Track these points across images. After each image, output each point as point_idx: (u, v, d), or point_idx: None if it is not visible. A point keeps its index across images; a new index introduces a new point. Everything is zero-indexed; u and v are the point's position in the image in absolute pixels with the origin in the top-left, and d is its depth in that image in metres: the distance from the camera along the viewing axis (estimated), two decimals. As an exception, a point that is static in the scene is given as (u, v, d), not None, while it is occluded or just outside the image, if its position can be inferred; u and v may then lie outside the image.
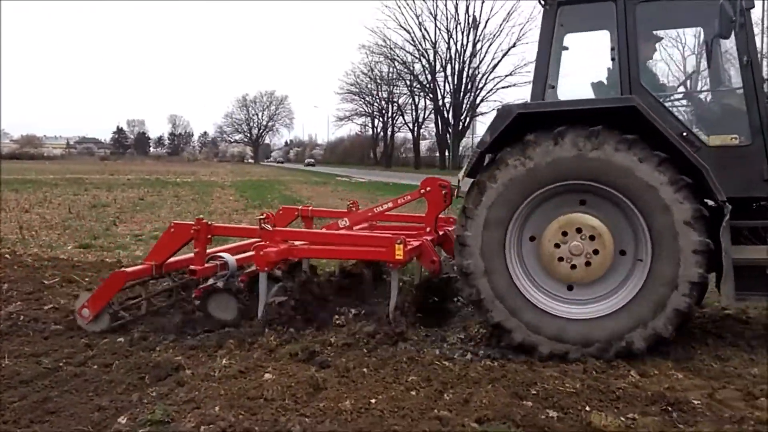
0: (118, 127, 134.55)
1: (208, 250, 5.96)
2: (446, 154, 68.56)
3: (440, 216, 6.45)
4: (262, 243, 5.38)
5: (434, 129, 73.60)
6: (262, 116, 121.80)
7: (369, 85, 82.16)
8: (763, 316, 5.63)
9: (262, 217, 6.47)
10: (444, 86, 68.11)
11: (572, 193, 4.68)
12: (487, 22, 72.10)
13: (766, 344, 4.83)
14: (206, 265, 5.81)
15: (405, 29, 68.81)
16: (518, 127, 4.66)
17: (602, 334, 4.48)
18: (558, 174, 4.55)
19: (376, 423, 3.48)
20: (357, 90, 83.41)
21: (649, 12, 4.96)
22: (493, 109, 67.21)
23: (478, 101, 66.41)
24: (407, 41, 68.38)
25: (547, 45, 5.09)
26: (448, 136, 68.13)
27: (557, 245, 4.62)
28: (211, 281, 5.67)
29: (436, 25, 67.90)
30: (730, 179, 4.48)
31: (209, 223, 5.87)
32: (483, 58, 65.06)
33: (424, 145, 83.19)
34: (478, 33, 63.74)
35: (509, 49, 62.50)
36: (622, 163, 4.39)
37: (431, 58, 67.64)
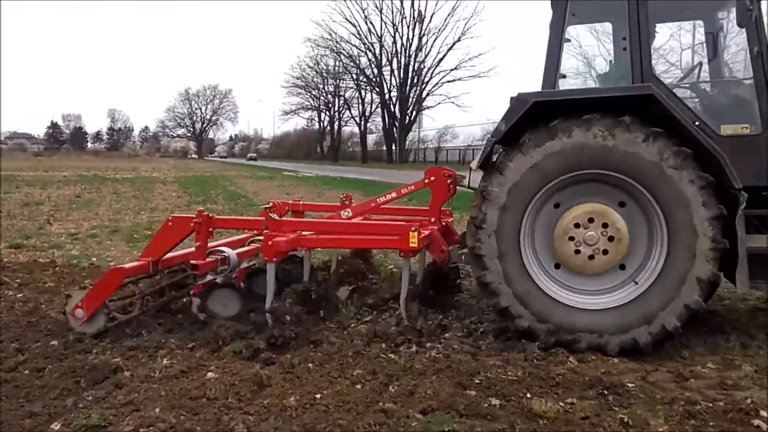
0: (52, 121, 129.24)
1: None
2: (393, 148, 68.84)
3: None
4: (271, 233, 5.17)
5: (381, 123, 73.83)
6: (206, 110, 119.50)
7: (315, 79, 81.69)
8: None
9: (268, 206, 6.34)
10: (390, 80, 68.52)
11: (593, 183, 4.71)
12: (432, 16, 73.04)
13: (693, 328, 5.07)
14: (208, 259, 5.59)
15: (351, 23, 68.88)
16: (529, 116, 4.70)
17: (609, 327, 4.55)
18: (581, 162, 4.56)
19: (321, 418, 3.47)
20: (303, 84, 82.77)
21: (658, 4, 5.03)
22: (439, 103, 68.21)
23: (424, 95, 67.05)
24: (353, 35, 68.40)
25: (558, 35, 5.11)
26: (394, 129, 68.45)
27: (572, 236, 4.66)
28: (209, 277, 5.47)
29: (381, 19, 68.33)
30: (741, 168, 4.49)
31: (210, 215, 5.64)
32: (429, 52, 65.80)
33: (371, 139, 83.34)
34: (424, 27, 64.37)
35: (454, 44, 63.33)
36: (649, 157, 4.42)
37: (377, 51, 67.88)
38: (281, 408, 3.58)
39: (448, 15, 65.68)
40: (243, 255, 6.05)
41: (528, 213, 4.70)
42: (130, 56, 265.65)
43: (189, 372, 4.18)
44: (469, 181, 5.58)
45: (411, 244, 4.93)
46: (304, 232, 5.36)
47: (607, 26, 5.95)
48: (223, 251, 5.68)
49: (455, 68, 63.42)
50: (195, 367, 4.26)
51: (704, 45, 5.56)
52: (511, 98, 5.02)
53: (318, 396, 3.75)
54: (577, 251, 4.65)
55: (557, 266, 4.84)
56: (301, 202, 7.20)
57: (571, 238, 4.65)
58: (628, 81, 4.95)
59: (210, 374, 4.11)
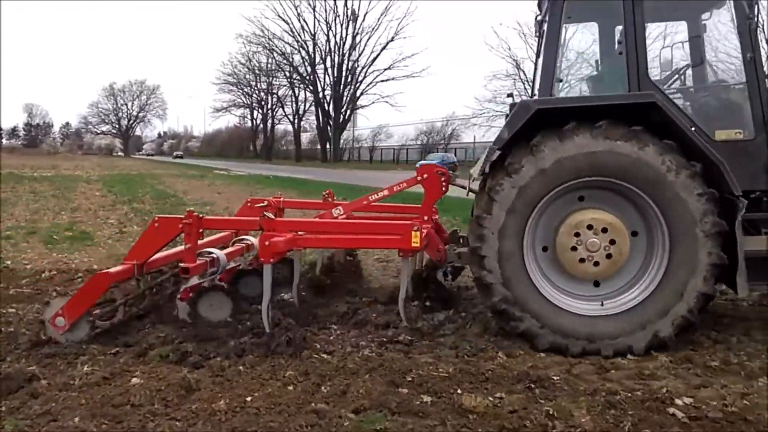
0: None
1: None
2: (327, 146, 68.56)
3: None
4: (268, 233, 4.92)
5: (315, 121, 73.37)
6: (132, 106, 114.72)
7: (247, 76, 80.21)
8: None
9: (263, 204, 6.07)
10: (324, 78, 68.21)
11: (597, 190, 4.72)
12: (365, 15, 73.12)
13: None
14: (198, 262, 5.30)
15: (283, 19, 68.05)
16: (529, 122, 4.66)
17: (606, 332, 4.57)
18: (589, 168, 4.55)
19: (252, 421, 3.41)
20: (235, 80, 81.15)
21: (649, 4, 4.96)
22: (373, 102, 68.51)
23: (358, 94, 67.11)
24: (286, 32, 67.67)
25: (555, 38, 5.02)
26: (329, 128, 68.16)
27: (574, 248, 4.64)
28: (195, 280, 5.24)
29: (315, 17, 68.07)
30: (735, 173, 4.49)
31: (201, 215, 5.35)
32: (362, 51, 65.95)
33: (305, 137, 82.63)
34: (357, 26, 64.40)
35: (387, 43, 63.71)
36: (658, 168, 4.44)
37: (311, 49, 67.42)
38: (210, 412, 3.50)
39: (382, 14, 66.29)
40: (229, 256, 5.80)
41: (533, 216, 4.69)
42: (49, 48, 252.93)
43: (112, 378, 4.02)
44: (468, 187, 5.55)
45: (413, 244, 4.84)
46: (300, 232, 5.20)
47: (595, 27, 5.97)
48: (212, 252, 5.46)
49: (389, 68, 63.93)
50: (118, 373, 4.10)
51: (688, 47, 5.48)
52: (512, 105, 5.06)
53: (248, 399, 3.69)
54: (582, 260, 4.64)
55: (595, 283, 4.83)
56: (282, 199, 6.89)
57: (574, 248, 4.65)
58: (624, 86, 4.88)
59: (135, 380, 3.97)
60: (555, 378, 4.01)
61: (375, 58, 65.09)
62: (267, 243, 4.75)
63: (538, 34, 6.01)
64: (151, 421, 3.41)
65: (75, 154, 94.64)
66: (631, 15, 4.84)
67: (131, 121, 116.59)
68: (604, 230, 4.58)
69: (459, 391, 3.81)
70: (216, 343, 4.63)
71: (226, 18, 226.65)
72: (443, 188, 5.83)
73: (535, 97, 5.27)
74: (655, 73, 5.20)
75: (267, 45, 69.87)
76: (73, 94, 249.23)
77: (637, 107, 4.65)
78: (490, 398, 3.68)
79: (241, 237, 6.19)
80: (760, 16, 4.89)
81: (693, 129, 4.62)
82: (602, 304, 4.71)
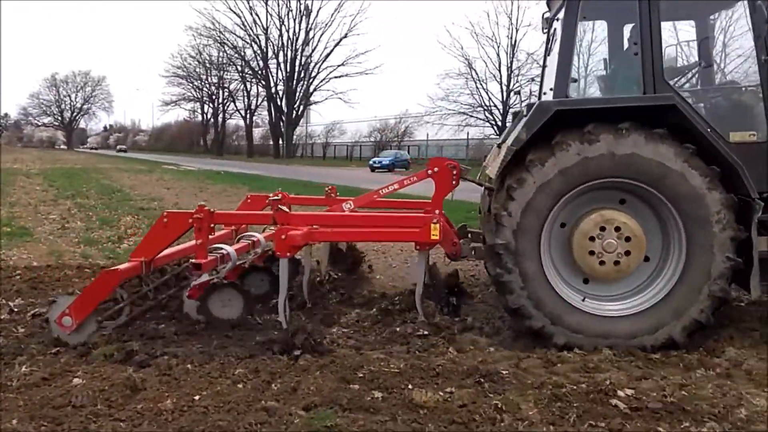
0: None
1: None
2: (280, 142, 67.82)
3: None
4: (284, 227, 4.78)
5: (267, 117, 72.40)
6: (76, 98, 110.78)
7: (197, 69, 78.42)
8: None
9: (277, 197, 5.90)
10: (277, 73, 67.31)
11: (611, 190, 4.74)
12: (318, 11, 72.56)
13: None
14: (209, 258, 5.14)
15: (235, 13, 66.99)
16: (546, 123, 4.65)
17: (621, 332, 4.62)
18: (610, 169, 4.55)
19: (200, 420, 3.34)
20: (185, 73, 79.17)
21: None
22: (326, 99, 68.13)
23: (311, 90, 66.57)
24: (237, 25, 66.34)
25: (570, 38, 4.95)
26: (281, 124, 67.43)
27: (592, 238, 4.64)
28: (204, 277, 5.06)
29: (267, 11, 66.82)
30: (749, 174, 4.53)
31: (212, 210, 5.14)
32: (315, 47, 65.37)
33: (257, 132, 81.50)
34: (311, 21, 63.82)
35: (341, 40, 63.34)
36: (675, 169, 4.46)
37: (263, 44, 66.37)
38: (156, 412, 3.42)
39: (335, 11, 65.63)
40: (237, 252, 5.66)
41: (552, 214, 4.67)
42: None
43: (52, 379, 3.89)
44: (485, 184, 5.54)
45: (432, 237, 4.80)
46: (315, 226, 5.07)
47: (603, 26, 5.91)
48: (222, 248, 5.32)
49: (342, 64, 63.58)
50: (59, 374, 3.97)
51: (698, 47, 5.42)
52: (529, 106, 5.03)
53: (197, 397, 3.62)
54: (602, 262, 4.66)
55: (585, 281, 4.87)
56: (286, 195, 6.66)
57: (592, 243, 4.66)
58: (639, 86, 4.85)
59: (76, 380, 3.85)
60: (504, 372, 4.08)
61: (328, 55, 64.73)
62: (283, 237, 4.62)
63: (546, 32, 5.99)
64: (94, 423, 3.30)
65: (14, 147, 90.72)
66: (647, 14, 4.78)
67: (75, 114, 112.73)
68: (628, 239, 4.59)
69: (410, 386, 3.83)
70: (162, 342, 4.53)
71: (175, 9, 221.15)
72: (454, 182, 5.67)
73: (546, 97, 5.28)
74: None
75: (218, 38, 68.51)
76: (12, 84, 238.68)
77: (656, 109, 4.68)
78: (441, 393, 3.71)
79: (245, 234, 6.13)
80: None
81: (709, 130, 4.63)
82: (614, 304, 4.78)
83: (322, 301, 5.96)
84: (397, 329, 5.01)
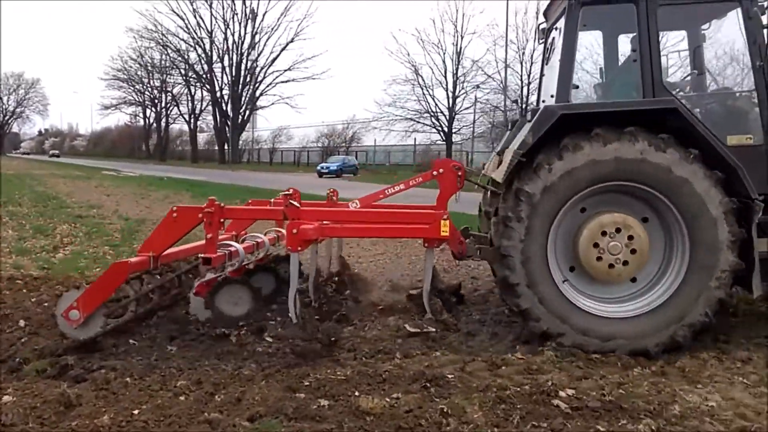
0: None
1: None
2: (226, 147, 66.66)
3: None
4: (296, 221, 4.80)
5: (212, 121, 71.09)
6: (8, 101, 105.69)
7: (139, 72, 76.33)
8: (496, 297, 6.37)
9: (288, 192, 5.83)
10: (222, 77, 66.24)
11: (618, 194, 4.82)
12: (264, 15, 71.92)
13: (504, 320, 5.57)
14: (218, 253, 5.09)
15: (178, 15, 65.44)
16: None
17: (625, 333, 4.68)
18: (616, 172, 4.63)
19: (139, 435, 3.24)
20: (125, 76, 76.90)
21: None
22: (273, 103, 67.38)
23: (257, 94, 65.81)
24: (181, 28, 65.15)
25: (571, 45, 5.05)
26: (227, 129, 66.31)
27: (604, 233, 4.70)
28: (209, 275, 5.06)
29: (212, 14, 65.56)
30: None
31: (222, 205, 5.06)
32: (261, 51, 64.69)
33: (202, 137, 79.83)
34: (256, 25, 63.15)
35: (287, 44, 62.87)
36: (683, 176, 4.55)
37: (207, 47, 65.30)
38: (92, 429, 3.30)
39: (281, 15, 65.25)
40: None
41: (559, 217, 4.75)
42: None
43: (-21, 397, 3.67)
44: (478, 182, 5.66)
45: (443, 233, 4.83)
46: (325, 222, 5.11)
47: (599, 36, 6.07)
48: (231, 245, 5.33)
49: (289, 69, 63.12)
50: (-13, 392, 3.76)
51: (692, 56, 5.63)
52: (533, 111, 5.09)
53: (136, 412, 3.50)
54: (599, 258, 4.73)
55: (572, 269, 4.94)
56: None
57: (603, 237, 4.72)
58: (638, 92, 4.98)
59: (6, 398, 3.67)
60: (450, 376, 4.12)
61: (275, 59, 64.18)
62: (295, 231, 4.69)
63: (543, 42, 6.16)
64: (25, 442, 3.15)
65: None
66: (645, 22, 4.94)
67: (7, 117, 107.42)
68: (630, 238, 4.68)
69: (356, 393, 3.81)
70: (100, 355, 4.37)
71: (115, 9, 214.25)
72: (459, 183, 5.73)
73: (545, 103, 5.39)
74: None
75: (160, 41, 66.94)
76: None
77: (658, 113, 4.80)
78: (387, 399, 3.71)
79: (254, 234, 6.21)
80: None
81: (708, 134, 4.76)
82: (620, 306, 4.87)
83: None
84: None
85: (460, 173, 5.67)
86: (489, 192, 5.87)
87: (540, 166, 4.70)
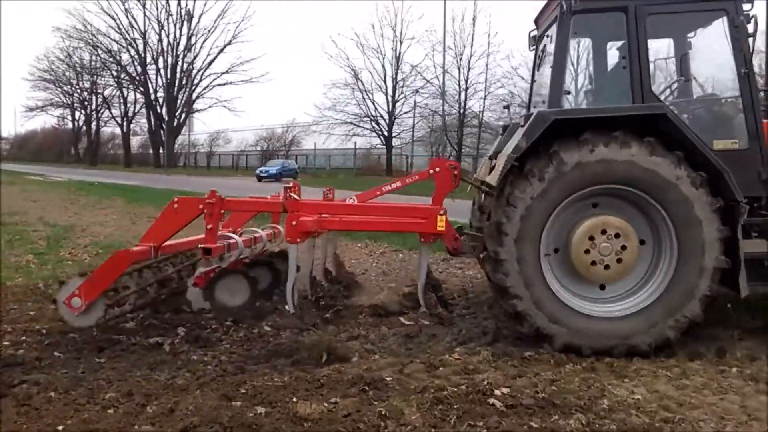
0: None
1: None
2: (161, 151, 64.72)
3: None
4: (296, 213, 4.88)
5: (147, 124, 68.82)
6: None
7: (67, 73, 72.83)
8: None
9: (289, 185, 5.78)
10: (156, 80, 64.18)
11: (609, 197, 4.92)
12: (201, 16, 70.41)
13: (439, 321, 5.58)
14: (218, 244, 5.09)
15: (109, 15, 63.00)
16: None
17: (617, 333, 4.75)
18: (605, 176, 4.72)
19: (64, 452, 3.09)
20: (52, 77, 73.29)
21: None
22: (210, 107, 66.09)
23: (194, 97, 64.18)
24: (112, 28, 62.49)
25: (563, 52, 5.16)
26: (162, 132, 64.39)
27: (603, 231, 4.79)
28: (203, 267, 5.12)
29: (145, 14, 63.51)
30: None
31: (223, 196, 5.09)
32: (198, 53, 63.08)
33: (135, 141, 77.06)
34: (192, 27, 61.61)
35: (225, 47, 61.60)
36: (667, 175, 4.65)
37: (141, 48, 63.12)
38: (12, 447, 3.12)
39: (218, 17, 64.15)
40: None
41: (551, 221, 4.83)
42: None
43: None
44: (473, 185, 5.77)
45: (439, 228, 4.94)
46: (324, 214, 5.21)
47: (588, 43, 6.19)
48: (230, 236, 5.35)
49: (227, 71, 61.79)
50: None
51: (678, 64, 5.77)
52: (527, 116, 5.12)
53: (60, 428, 3.35)
54: (587, 251, 4.82)
55: (556, 250, 5.01)
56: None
57: (591, 238, 4.82)
58: (628, 99, 5.11)
59: None
60: (388, 379, 4.13)
61: (212, 62, 62.60)
62: (294, 223, 4.83)
63: (533, 49, 6.27)
64: (-63, 465, 2.96)
65: None
66: (634, 31, 5.09)
67: None
68: (617, 236, 4.80)
69: (294, 399, 3.77)
70: (22, 369, 4.15)
71: (40, 8, 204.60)
72: (454, 182, 5.90)
73: (538, 108, 5.47)
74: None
75: (90, 41, 64.19)
76: None
77: (648, 118, 4.92)
78: (325, 404, 3.69)
79: (253, 229, 6.23)
80: (757, 30, 5.07)
81: (695, 138, 4.88)
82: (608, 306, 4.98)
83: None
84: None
85: (455, 173, 5.90)
86: (484, 193, 6.03)
87: (531, 172, 4.81)
